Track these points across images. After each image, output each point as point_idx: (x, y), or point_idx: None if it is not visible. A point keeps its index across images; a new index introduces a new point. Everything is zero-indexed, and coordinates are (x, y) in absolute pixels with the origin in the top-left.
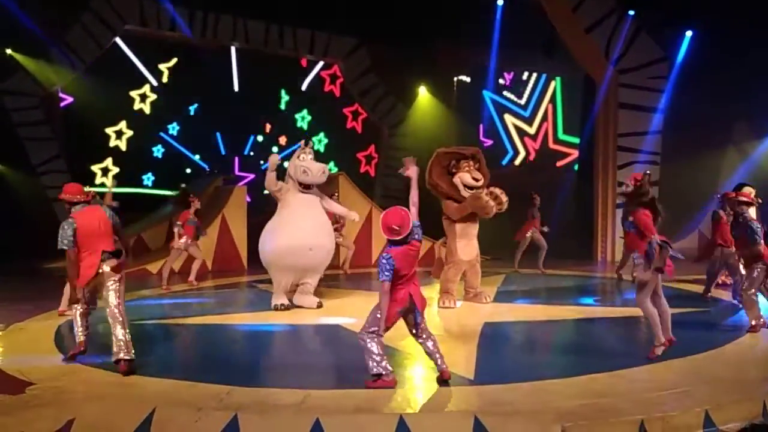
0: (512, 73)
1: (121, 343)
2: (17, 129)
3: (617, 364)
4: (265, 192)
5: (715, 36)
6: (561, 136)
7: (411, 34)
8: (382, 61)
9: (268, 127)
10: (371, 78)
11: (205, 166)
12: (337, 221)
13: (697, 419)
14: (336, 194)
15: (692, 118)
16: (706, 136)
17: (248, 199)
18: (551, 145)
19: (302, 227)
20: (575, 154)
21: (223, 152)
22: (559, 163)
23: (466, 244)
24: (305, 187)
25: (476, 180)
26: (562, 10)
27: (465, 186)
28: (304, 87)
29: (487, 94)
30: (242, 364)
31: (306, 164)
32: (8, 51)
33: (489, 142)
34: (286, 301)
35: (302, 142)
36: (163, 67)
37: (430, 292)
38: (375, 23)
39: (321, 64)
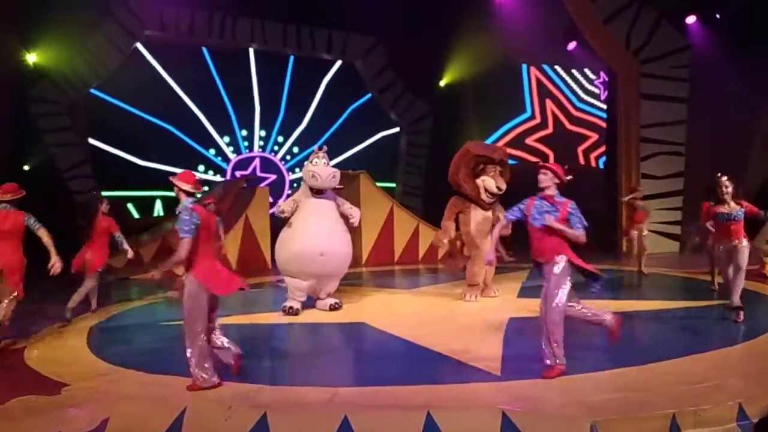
0: None
1: None
2: (44, 135)
3: (646, 358)
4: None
5: (737, 22)
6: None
7: (429, 30)
8: (400, 58)
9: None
10: (389, 75)
11: (224, 165)
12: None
13: (730, 413)
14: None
15: (716, 107)
16: (732, 126)
17: (270, 200)
18: (569, 126)
19: (312, 233)
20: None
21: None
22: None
23: (482, 240)
24: (317, 192)
25: (500, 189)
26: (580, 1)
27: (487, 191)
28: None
29: None
30: (270, 363)
31: (316, 169)
32: (32, 59)
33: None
34: (295, 305)
35: (316, 147)
36: None
37: (453, 288)
38: (392, 20)
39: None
